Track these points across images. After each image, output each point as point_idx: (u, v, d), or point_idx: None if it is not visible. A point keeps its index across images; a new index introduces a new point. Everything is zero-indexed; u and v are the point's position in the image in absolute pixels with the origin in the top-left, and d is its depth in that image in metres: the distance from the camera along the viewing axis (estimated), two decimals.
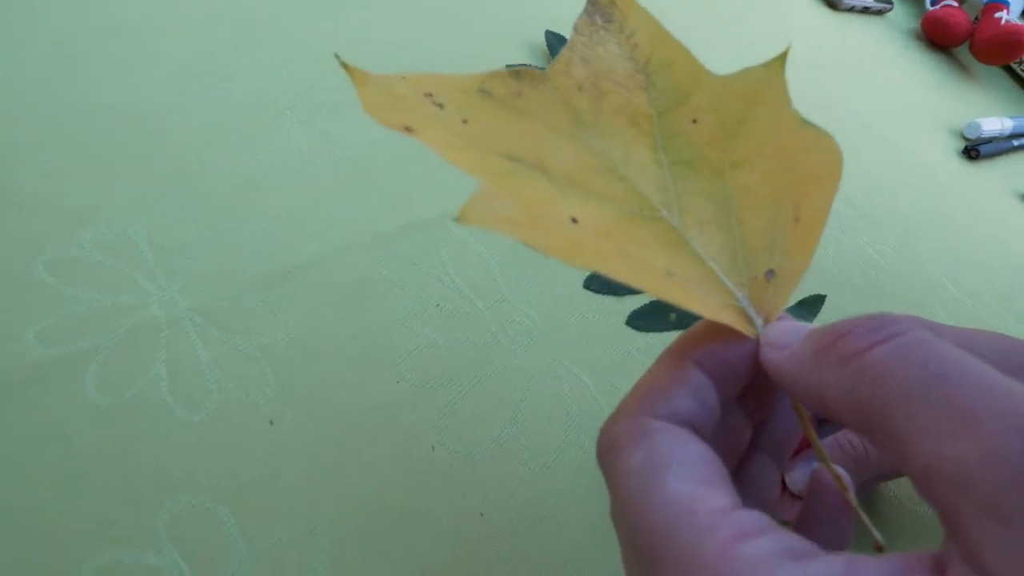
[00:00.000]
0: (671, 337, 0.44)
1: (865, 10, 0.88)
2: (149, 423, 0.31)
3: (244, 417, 0.33)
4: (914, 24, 0.95)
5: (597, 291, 0.44)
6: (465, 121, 0.21)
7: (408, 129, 0.20)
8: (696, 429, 0.19)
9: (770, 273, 0.20)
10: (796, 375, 0.18)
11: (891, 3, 0.91)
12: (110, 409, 0.31)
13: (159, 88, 0.43)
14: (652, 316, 0.44)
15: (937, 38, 0.89)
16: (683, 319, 0.44)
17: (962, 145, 0.72)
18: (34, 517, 0.28)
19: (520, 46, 0.56)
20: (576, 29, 0.23)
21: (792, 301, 0.47)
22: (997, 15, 0.86)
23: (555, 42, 0.56)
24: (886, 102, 0.75)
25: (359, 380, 0.35)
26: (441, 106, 0.21)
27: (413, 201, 0.43)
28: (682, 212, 0.21)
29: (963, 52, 0.93)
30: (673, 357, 0.20)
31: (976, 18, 0.90)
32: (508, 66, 0.23)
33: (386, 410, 0.35)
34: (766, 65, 0.22)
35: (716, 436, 0.21)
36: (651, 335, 0.43)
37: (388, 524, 0.32)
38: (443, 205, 0.44)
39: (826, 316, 0.48)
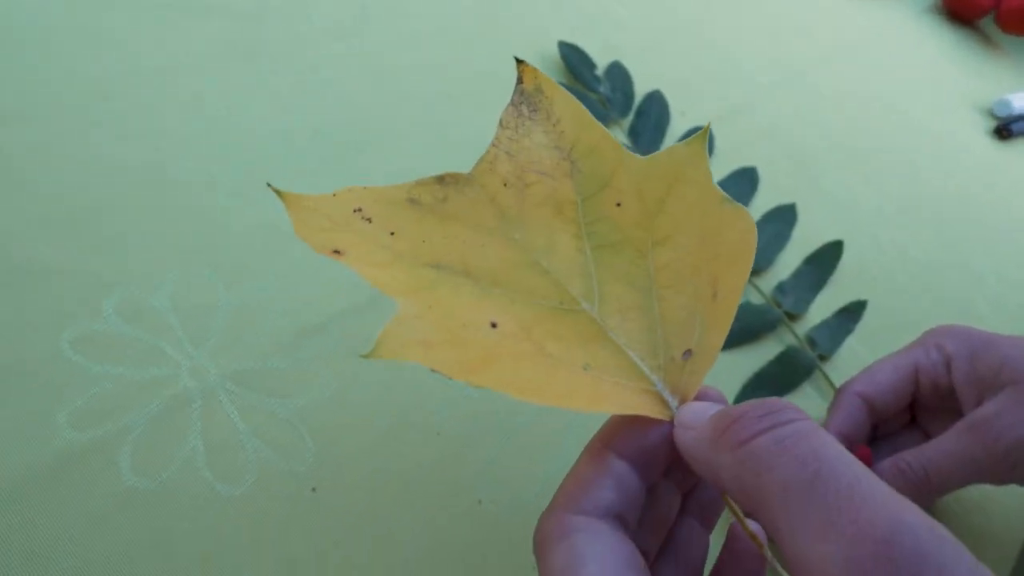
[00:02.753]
0: (717, 368, 0.43)
1: None
2: (190, 502, 0.30)
3: (286, 486, 0.32)
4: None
5: None
6: (392, 233, 0.22)
7: (336, 252, 0.21)
8: (620, 517, 0.20)
9: (687, 353, 0.21)
10: (698, 456, 0.19)
11: None
12: (148, 491, 0.30)
13: (168, 144, 0.41)
14: None
15: (959, 11, 0.86)
16: None
17: (992, 124, 0.69)
18: None
19: (533, 59, 0.54)
20: (502, 123, 0.24)
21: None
22: None
23: (569, 53, 0.54)
24: (911, 83, 0.72)
25: (399, 435, 0.34)
26: (370, 220, 0.22)
27: None
28: (602, 300, 0.22)
29: (987, 24, 0.90)
30: (593, 451, 0.21)
31: None
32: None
33: (429, 467, 0.34)
34: (688, 143, 0.22)
35: (645, 514, 0.22)
36: None
37: None
38: None
39: (872, 321, 0.47)
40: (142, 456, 0.31)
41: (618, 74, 0.54)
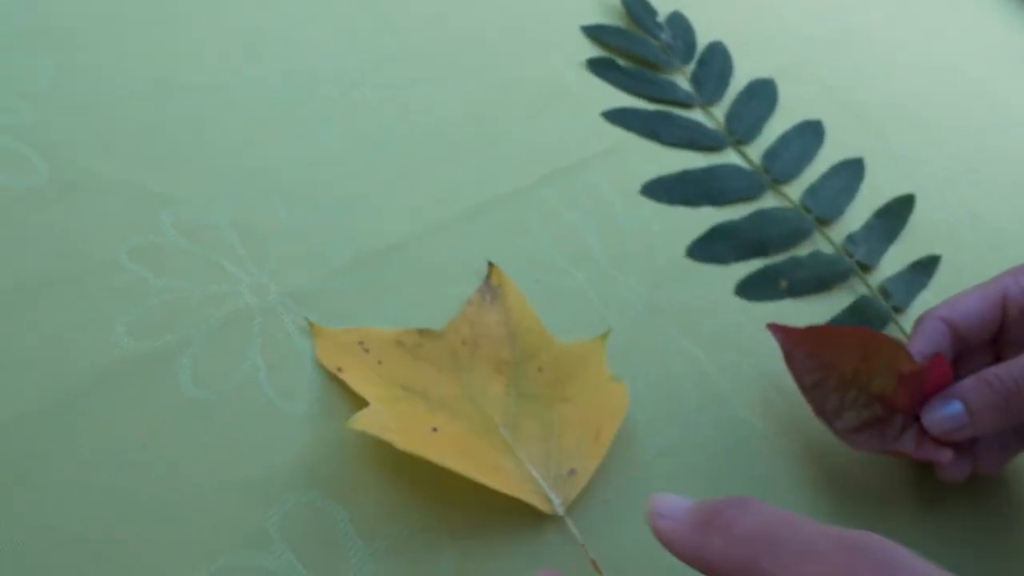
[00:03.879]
0: (784, 307, 0.41)
1: None
2: (251, 417, 0.29)
3: (348, 409, 0.30)
4: None
5: (700, 260, 0.41)
6: (380, 362, 0.31)
7: (339, 370, 0.30)
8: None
9: (572, 471, 0.30)
10: (684, 540, 0.23)
11: None
12: (208, 403, 0.29)
13: (227, 66, 0.40)
14: (761, 285, 0.40)
15: None
16: (794, 286, 0.41)
17: None
18: (138, 521, 0.26)
19: (594, 7, 0.53)
20: (470, 301, 0.34)
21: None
22: None
23: (632, 2, 0.52)
24: (974, 48, 0.70)
25: None
26: (367, 351, 0.31)
27: (496, 174, 0.40)
28: (515, 429, 0.30)
29: None
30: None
31: None
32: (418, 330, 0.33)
33: None
34: (592, 340, 0.34)
35: None
36: (762, 305, 0.40)
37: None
38: (528, 177, 0.41)
39: (945, 277, 0.45)
40: (202, 368, 0.30)
41: (679, 23, 0.53)
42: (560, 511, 0.29)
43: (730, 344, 0.37)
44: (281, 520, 0.27)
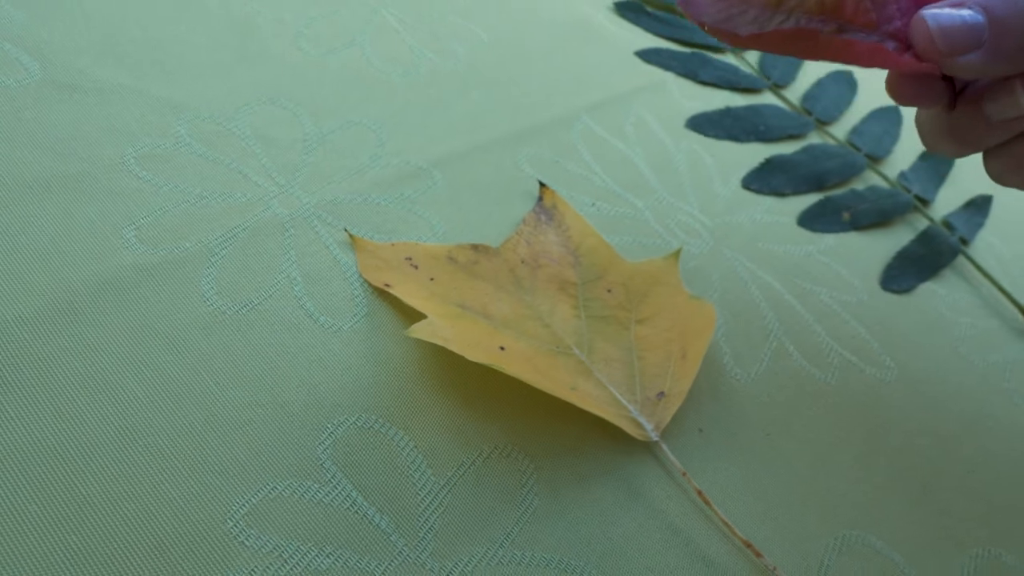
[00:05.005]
0: (848, 239, 0.38)
1: None
2: (288, 331, 0.25)
3: (401, 325, 0.26)
4: None
5: (758, 191, 0.37)
6: (432, 279, 0.27)
7: (387, 285, 0.26)
8: None
9: (661, 394, 0.26)
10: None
11: None
12: (238, 316, 0.24)
13: None
14: (823, 216, 0.37)
15: None
16: (857, 218, 0.38)
17: None
18: (170, 447, 0.21)
19: None
20: (524, 221, 0.31)
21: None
22: None
23: None
24: None
25: None
26: (416, 267, 0.28)
27: (534, 103, 0.37)
28: (591, 351, 0.27)
29: None
30: None
31: None
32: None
33: None
34: (665, 258, 0.31)
35: None
36: (826, 237, 0.37)
37: None
38: (568, 107, 0.37)
39: (998, 217, 0.42)
40: (228, 280, 0.25)
41: None
42: (654, 436, 0.25)
43: (803, 273, 0.34)
44: (334, 445, 0.23)
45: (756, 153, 0.40)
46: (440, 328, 0.24)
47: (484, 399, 0.25)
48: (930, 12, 0.21)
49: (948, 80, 0.23)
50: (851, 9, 0.22)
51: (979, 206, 0.42)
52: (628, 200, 0.34)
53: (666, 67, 0.43)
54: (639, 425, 0.25)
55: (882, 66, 0.23)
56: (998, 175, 0.25)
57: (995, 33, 0.21)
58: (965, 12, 0.21)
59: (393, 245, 0.28)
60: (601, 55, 0.42)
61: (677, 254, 0.31)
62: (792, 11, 0.22)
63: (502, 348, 0.25)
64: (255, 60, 0.33)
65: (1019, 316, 0.36)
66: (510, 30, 0.41)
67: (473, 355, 0.23)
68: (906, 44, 0.22)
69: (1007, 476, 0.30)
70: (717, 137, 0.40)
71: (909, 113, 0.48)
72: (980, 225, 0.41)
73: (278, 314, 0.25)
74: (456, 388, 0.25)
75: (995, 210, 0.43)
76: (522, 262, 0.29)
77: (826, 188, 0.39)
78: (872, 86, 0.49)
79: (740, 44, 0.22)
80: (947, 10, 0.21)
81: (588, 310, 0.28)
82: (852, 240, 0.37)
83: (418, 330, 0.23)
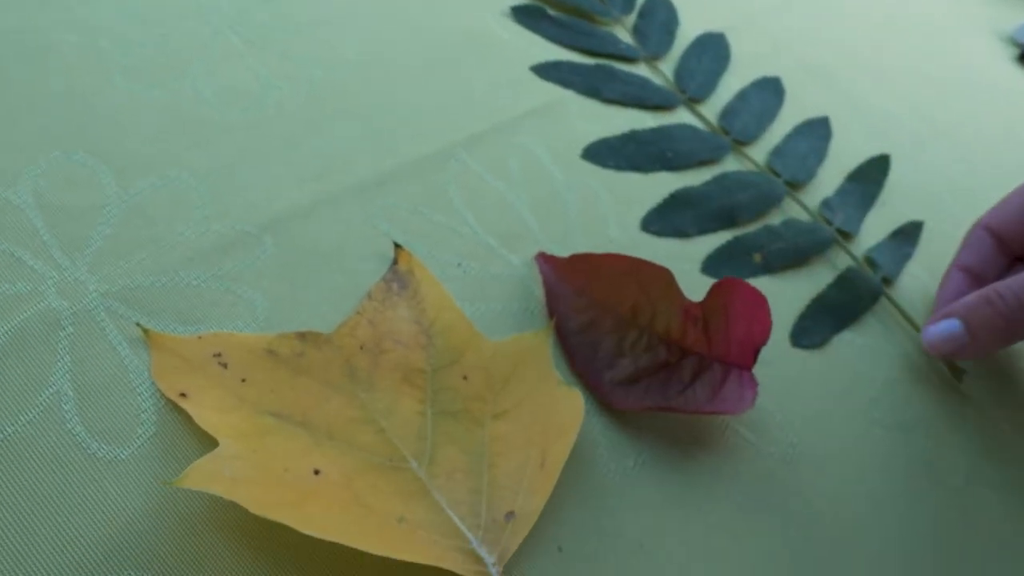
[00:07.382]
0: (760, 284, 0.34)
1: None
2: (47, 466, 0.20)
3: (195, 448, 0.22)
4: None
5: (658, 233, 0.33)
6: (244, 380, 0.23)
7: (183, 395, 0.22)
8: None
9: (510, 515, 0.22)
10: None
11: None
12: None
13: (54, 7, 0.31)
14: (732, 260, 0.34)
15: None
16: (770, 260, 0.34)
17: (1015, 52, 0.63)
18: None
19: None
20: (369, 295, 0.26)
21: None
22: None
23: None
24: (930, 5, 0.66)
25: None
26: (225, 366, 0.23)
27: (404, 137, 0.32)
28: (432, 462, 0.23)
29: None
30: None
31: None
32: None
33: None
34: (536, 333, 0.26)
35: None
36: None
37: None
38: (443, 139, 0.33)
39: (929, 245, 0.39)
40: None
41: None
42: (494, 573, 0.21)
43: None
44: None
45: (662, 185, 0.35)
46: (226, 465, 0.20)
47: (287, 548, 0.21)
48: (923, 335, 0.31)
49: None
50: (690, 339, 0.27)
51: (908, 234, 0.39)
52: (502, 256, 0.30)
53: (566, 84, 0.38)
54: (478, 560, 0.21)
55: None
56: None
57: (973, 336, 0.30)
58: (947, 326, 0.30)
59: (200, 338, 0.23)
60: (490, 72, 0.37)
61: (550, 329, 0.27)
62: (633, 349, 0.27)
63: (317, 472, 0.21)
64: (52, 102, 0.28)
65: (940, 365, 0.33)
66: (384, 45, 0.36)
67: (260, 507, 0.19)
68: (727, 365, 0.26)
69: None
70: (618, 168, 0.35)
71: (839, 125, 0.44)
72: (908, 256, 0.38)
73: (36, 444, 0.21)
74: (254, 536, 0.21)
75: (925, 237, 0.39)
76: (361, 348, 0.25)
77: (738, 224, 0.35)
78: (799, 97, 0.45)
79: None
80: (935, 328, 0.31)
81: (437, 404, 0.24)
82: (764, 285, 0.33)
83: (190, 477, 0.19)
